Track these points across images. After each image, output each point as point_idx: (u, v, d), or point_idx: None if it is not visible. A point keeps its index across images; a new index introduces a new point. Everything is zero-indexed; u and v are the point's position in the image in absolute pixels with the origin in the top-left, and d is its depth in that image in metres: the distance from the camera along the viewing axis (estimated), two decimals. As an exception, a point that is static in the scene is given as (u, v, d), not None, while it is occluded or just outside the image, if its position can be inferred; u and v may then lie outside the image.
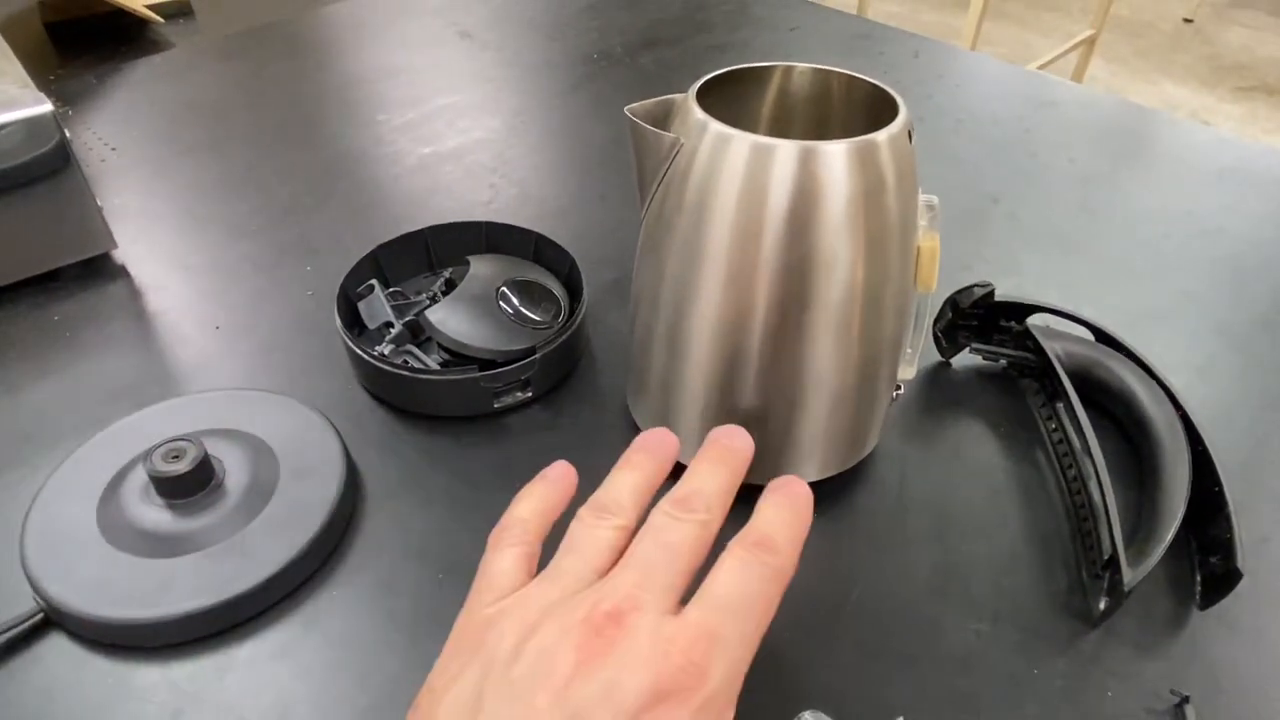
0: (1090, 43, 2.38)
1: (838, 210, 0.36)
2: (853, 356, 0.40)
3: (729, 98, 0.41)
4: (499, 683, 0.24)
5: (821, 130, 0.43)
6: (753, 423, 0.41)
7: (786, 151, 0.35)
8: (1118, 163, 0.76)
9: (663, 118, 0.40)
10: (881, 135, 0.36)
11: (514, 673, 0.24)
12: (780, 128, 0.44)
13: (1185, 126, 0.80)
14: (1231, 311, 0.58)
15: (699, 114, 0.37)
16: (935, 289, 0.42)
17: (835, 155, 0.35)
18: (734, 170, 0.36)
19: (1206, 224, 0.66)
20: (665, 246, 0.40)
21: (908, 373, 0.46)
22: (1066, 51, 2.31)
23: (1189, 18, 3.23)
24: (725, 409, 0.42)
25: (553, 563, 0.29)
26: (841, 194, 0.36)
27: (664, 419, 0.45)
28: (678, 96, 0.40)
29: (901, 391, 0.46)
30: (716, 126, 0.36)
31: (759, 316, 0.38)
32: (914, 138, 0.38)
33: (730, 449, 0.31)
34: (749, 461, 0.32)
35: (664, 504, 0.29)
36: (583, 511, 0.30)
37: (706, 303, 0.39)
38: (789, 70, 0.43)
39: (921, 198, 0.40)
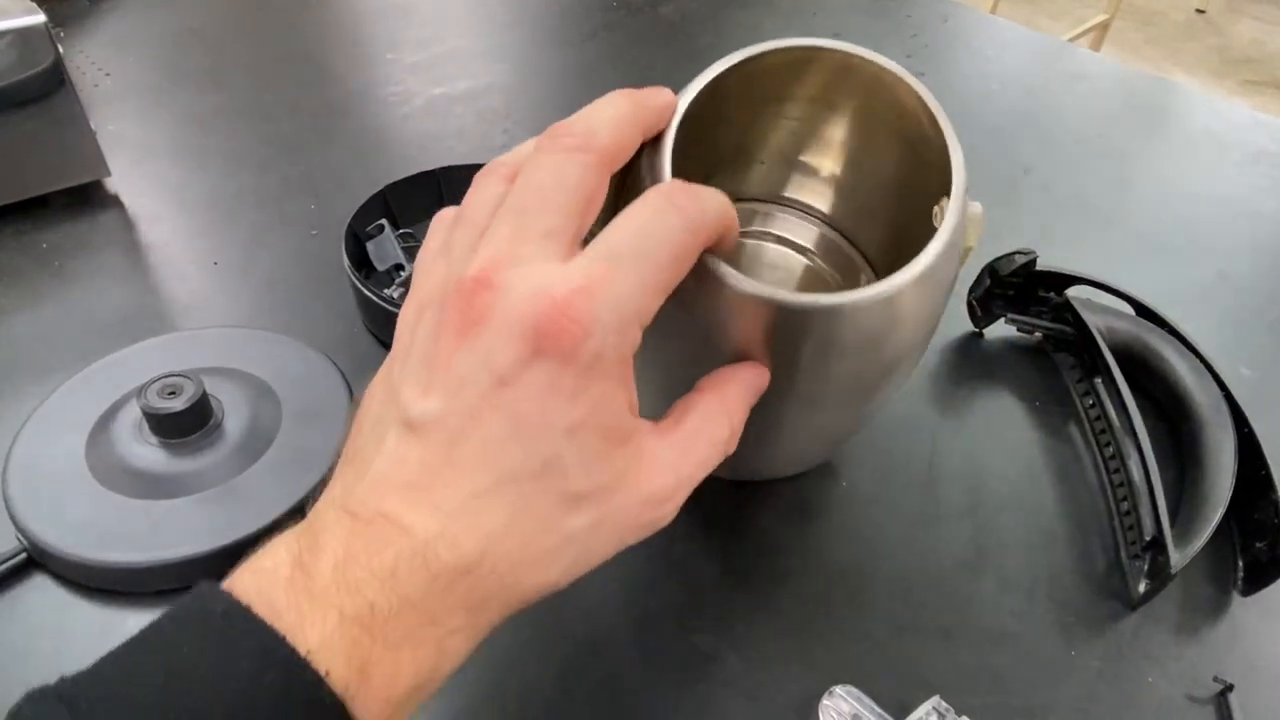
0: (1103, 28, 2.35)
1: None
2: None
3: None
4: (405, 373, 0.24)
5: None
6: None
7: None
8: (1152, 139, 0.73)
9: None
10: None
11: (412, 362, 0.24)
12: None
13: (1220, 105, 0.78)
14: (1272, 296, 0.56)
15: None
16: (974, 246, 0.39)
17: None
18: None
19: (1243, 206, 0.64)
20: None
21: None
22: (1078, 36, 2.27)
23: (1201, 8, 3.19)
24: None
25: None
26: None
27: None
28: None
29: None
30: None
31: None
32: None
33: (640, 92, 0.28)
34: (666, 109, 0.28)
35: (538, 138, 0.26)
36: (539, 139, 0.26)
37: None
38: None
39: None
